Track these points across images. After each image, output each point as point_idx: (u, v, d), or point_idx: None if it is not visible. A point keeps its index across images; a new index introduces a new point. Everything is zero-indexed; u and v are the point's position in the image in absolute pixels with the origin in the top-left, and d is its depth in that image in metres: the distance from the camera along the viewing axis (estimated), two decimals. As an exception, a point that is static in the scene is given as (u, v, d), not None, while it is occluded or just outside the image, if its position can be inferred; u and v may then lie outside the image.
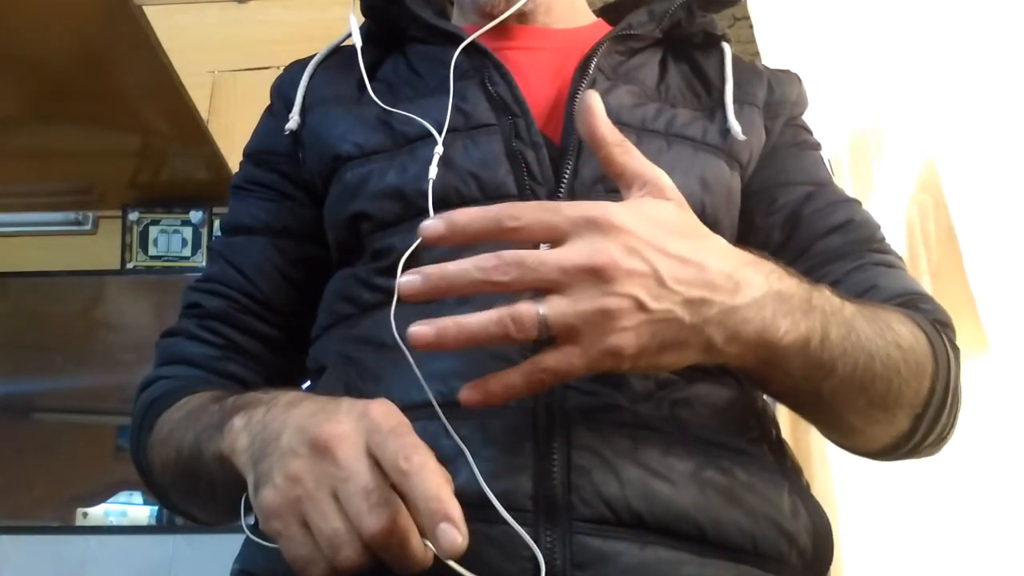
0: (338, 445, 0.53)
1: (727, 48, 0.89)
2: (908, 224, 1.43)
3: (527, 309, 0.54)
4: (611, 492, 0.62)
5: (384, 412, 0.55)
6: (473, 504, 0.60)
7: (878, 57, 1.55)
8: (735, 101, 0.84)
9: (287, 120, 0.86)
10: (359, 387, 0.71)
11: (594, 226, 0.55)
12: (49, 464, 2.63)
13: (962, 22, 1.27)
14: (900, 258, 0.84)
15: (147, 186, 2.86)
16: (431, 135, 0.76)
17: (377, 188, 0.77)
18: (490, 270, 0.54)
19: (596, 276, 0.54)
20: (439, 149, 0.74)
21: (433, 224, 0.56)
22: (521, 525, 0.58)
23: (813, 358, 0.63)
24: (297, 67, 0.91)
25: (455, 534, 0.50)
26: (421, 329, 0.55)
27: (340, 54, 0.90)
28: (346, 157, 0.80)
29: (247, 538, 0.72)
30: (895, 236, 1.44)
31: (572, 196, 0.73)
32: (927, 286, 1.32)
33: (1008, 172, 1.15)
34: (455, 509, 0.51)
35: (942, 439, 0.76)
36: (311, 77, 0.88)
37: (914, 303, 0.77)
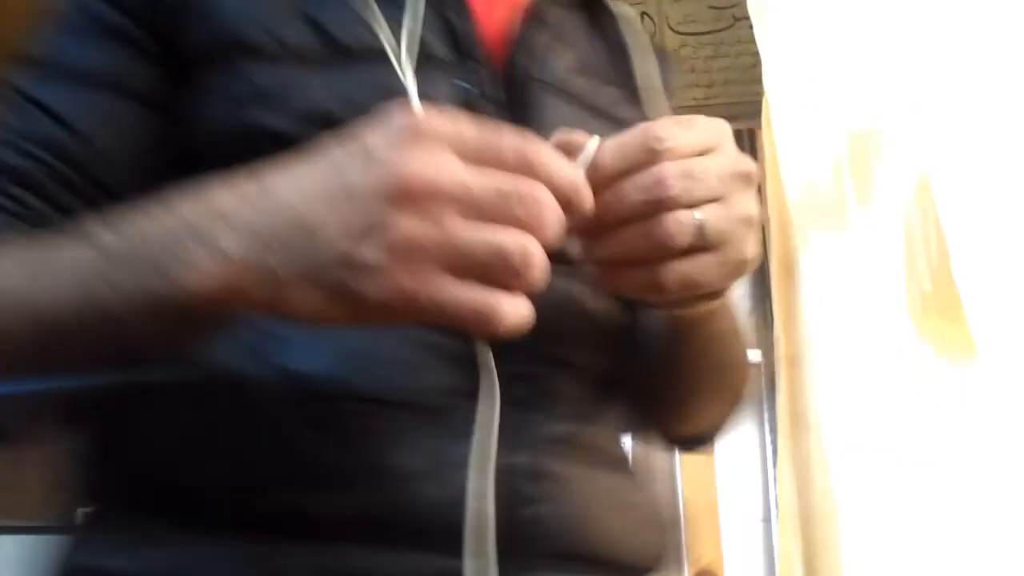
0: (420, 175, 0.41)
1: (633, 23, 0.78)
2: (907, 225, 1.43)
3: (684, 215, 0.50)
4: (550, 525, 0.57)
5: (421, 118, 0.43)
6: (428, 531, 0.54)
7: (878, 58, 1.55)
8: (646, 87, 0.76)
9: None
10: (263, 353, 0.56)
11: (726, 135, 0.54)
12: (49, 464, 2.63)
13: (962, 21, 1.27)
14: None
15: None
16: (377, 56, 0.59)
17: (303, 106, 0.58)
18: (653, 188, 0.49)
19: (745, 182, 0.53)
20: (410, 83, 0.58)
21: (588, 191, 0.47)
22: (456, 558, 0.51)
23: None
24: None
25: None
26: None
27: None
28: (253, 47, 0.60)
29: (81, 531, 0.60)
30: (895, 236, 1.44)
31: None
32: (927, 286, 1.33)
33: (1001, 182, 1.15)
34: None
35: None
36: None
37: None
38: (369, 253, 0.41)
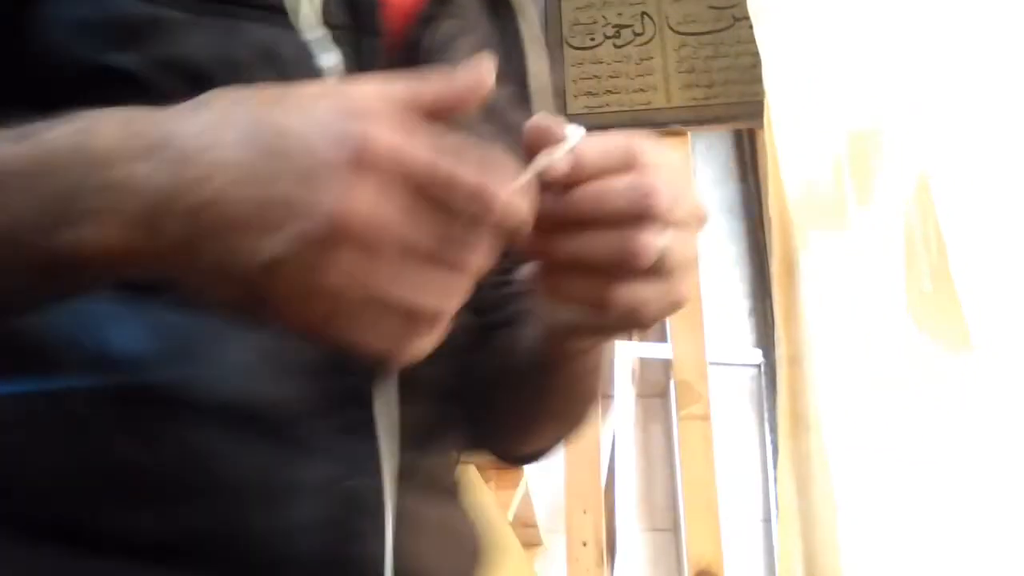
0: (364, 223, 0.37)
1: (529, 14, 0.72)
2: (907, 225, 1.43)
3: (656, 235, 0.46)
4: (382, 561, 0.53)
5: (375, 133, 0.38)
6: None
7: (878, 58, 1.55)
8: (537, 86, 0.70)
9: None
10: (81, 334, 0.49)
11: (685, 174, 0.51)
12: None
13: (962, 21, 1.27)
14: None
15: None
16: (267, 14, 0.53)
17: (166, 51, 0.51)
18: (643, 198, 0.46)
19: (699, 224, 0.50)
20: (331, 58, 0.53)
21: (562, 163, 0.45)
22: None
23: None
24: None
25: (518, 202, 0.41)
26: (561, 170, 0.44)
27: None
28: None
29: None
30: (895, 236, 1.44)
31: None
32: (927, 285, 1.33)
33: (1000, 182, 1.15)
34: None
35: None
36: None
37: None
38: (287, 284, 0.38)
